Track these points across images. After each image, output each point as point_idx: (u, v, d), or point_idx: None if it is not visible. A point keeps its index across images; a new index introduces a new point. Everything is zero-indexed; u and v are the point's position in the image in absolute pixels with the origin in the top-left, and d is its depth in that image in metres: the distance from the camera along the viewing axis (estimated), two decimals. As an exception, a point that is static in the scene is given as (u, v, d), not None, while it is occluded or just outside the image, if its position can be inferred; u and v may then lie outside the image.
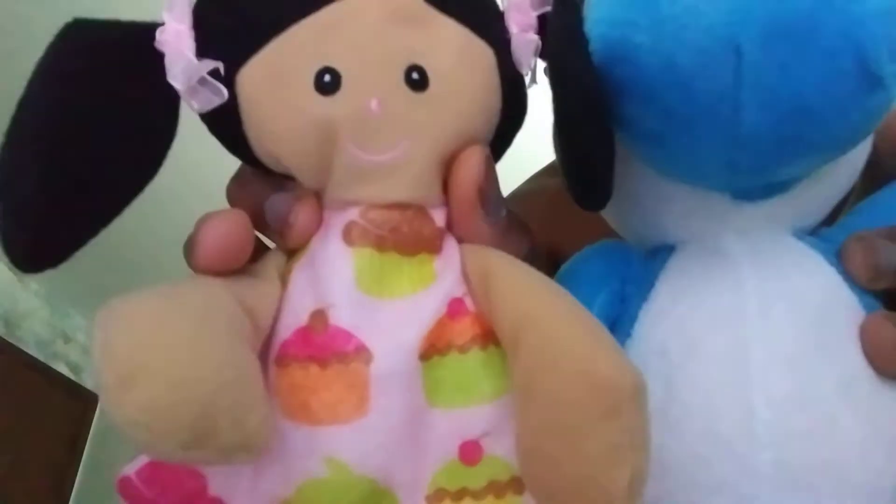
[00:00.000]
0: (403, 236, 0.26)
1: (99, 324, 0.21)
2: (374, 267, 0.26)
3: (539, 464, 0.23)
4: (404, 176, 0.26)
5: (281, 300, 0.26)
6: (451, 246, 0.27)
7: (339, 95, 0.25)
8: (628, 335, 0.27)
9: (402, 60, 0.26)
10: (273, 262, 0.27)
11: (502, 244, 0.27)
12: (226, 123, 0.27)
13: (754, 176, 0.25)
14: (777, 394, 0.24)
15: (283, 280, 0.27)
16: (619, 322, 0.28)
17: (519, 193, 0.60)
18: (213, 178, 0.28)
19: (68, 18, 0.25)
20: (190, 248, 0.25)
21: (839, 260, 0.26)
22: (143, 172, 0.27)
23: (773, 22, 0.21)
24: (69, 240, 0.25)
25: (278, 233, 0.27)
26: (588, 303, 0.28)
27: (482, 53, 0.27)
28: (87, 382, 2.02)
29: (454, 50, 0.26)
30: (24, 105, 0.24)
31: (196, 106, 0.26)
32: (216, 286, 0.24)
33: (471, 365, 0.26)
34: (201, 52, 0.26)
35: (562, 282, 0.30)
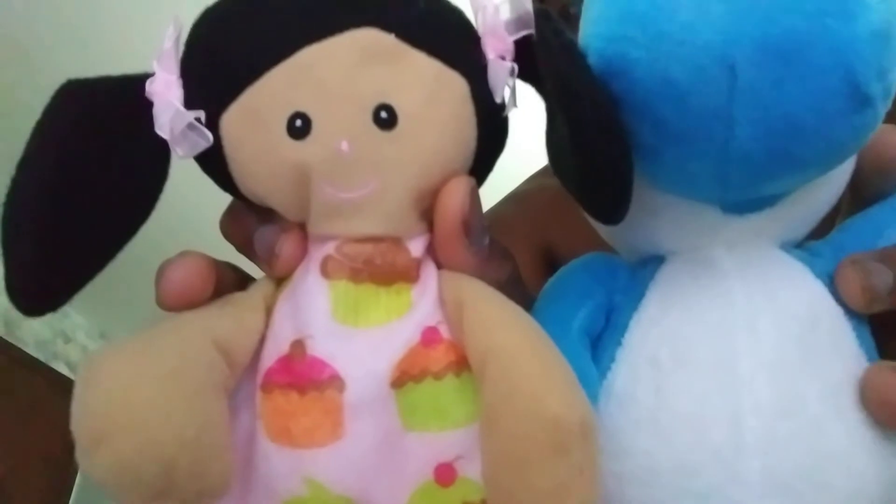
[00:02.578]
0: (377, 268, 0.27)
1: (79, 377, 0.23)
2: (349, 298, 0.27)
3: (496, 494, 0.24)
4: (376, 211, 0.27)
5: (267, 328, 0.28)
6: (429, 274, 0.28)
7: (310, 139, 0.26)
8: (619, 343, 0.28)
9: (371, 101, 0.26)
10: (261, 291, 0.28)
11: (483, 272, 0.28)
12: (213, 164, 0.28)
13: (744, 190, 0.25)
14: (764, 402, 0.24)
15: (270, 308, 0.28)
16: (609, 331, 0.29)
17: (518, 193, 0.60)
18: (210, 184, 0.29)
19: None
20: (155, 290, 0.27)
21: (829, 279, 0.27)
22: (137, 217, 0.28)
23: (767, 41, 0.22)
24: (68, 286, 0.27)
25: (266, 263, 0.29)
26: (570, 317, 0.29)
27: (454, 85, 0.27)
28: (88, 383, 2.01)
29: (424, 85, 0.27)
30: (22, 166, 0.26)
31: (181, 152, 0.27)
32: (193, 332, 0.26)
33: (445, 391, 0.26)
34: (188, 100, 0.27)
35: (547, 295, 0.31)
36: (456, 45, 0.28)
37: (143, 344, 0.25)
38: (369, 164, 0.26)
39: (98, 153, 0.27)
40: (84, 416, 0.22)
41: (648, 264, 0.30)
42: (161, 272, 0.27)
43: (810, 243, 0.29)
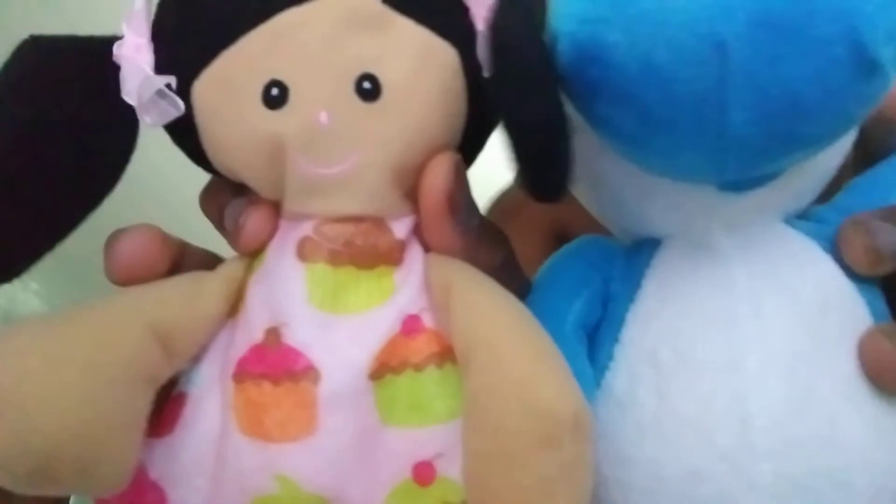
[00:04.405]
0: (358, 250, 0.26)
1: None
2: (327, 282, 0.26)
3: (478, 493, 0.23)
4: (357, 189, 0.26)
5: (238, 313, 0.26)
6: (414, 257, 0.27)
7: (287, 109, 0.25)
8: (616, 340, 0.26)
9: (353, 69, 0.25)
10: (226, 273, 0.27)
11: (473, 255, 0.26)
12: (184, 136, 0.27)
13: (743, 173, 0.23)
14: (774, 401, 0.23)
15: (240, 291, 0.27)
16: (607, 324, 0.27)
17: None
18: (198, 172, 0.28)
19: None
20: (104, 263, 0.26)
21: (835, 247, 0.25)
22: (101, 186, 0.27)
23: (761, 12, 0.19)
24: (25, 256, 0.26)
25: (232, 237, 0.27)
26: (565, 308, 0.27)
27: (443, 56, 0.26)
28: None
29: (411, 55, 0.25)
30: None
31: (149, 120, 0.26)
32: (126, 314, 0.24)
33: (426, 384, 0.25)
34: (159, 65, 0.26)
35: (539, 285, 0.29)
36: (446, 13, 0.26)
37: (63, 323, 0.23)
38: (349, 137, 0.25)
39: (61, 117, 0.25)
40: None
41: (644, 248, 0.28)
42: (109, 243, 0.26)
43: (815, 209, 0.27)
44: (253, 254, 0.27)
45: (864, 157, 0.28)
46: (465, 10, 0.26)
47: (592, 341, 0.27)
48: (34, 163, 0.25)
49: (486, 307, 0.25)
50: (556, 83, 0.23)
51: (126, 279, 0.26)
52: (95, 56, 0.26)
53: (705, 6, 0.19)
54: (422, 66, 0.25)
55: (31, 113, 0.25)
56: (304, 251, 0.26)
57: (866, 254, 0.24)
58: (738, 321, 0.24)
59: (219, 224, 0.28)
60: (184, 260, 0.28)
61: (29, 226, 0.25)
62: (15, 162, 0.24)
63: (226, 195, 0.28)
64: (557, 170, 0.24)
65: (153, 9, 0.26)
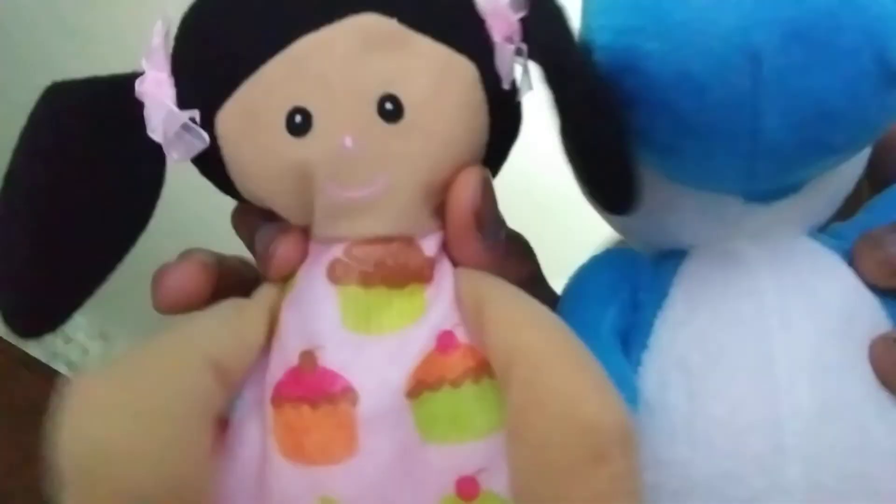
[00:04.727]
0: (389, 270, 0.26)
1: (63, 402, 0.22)
2: (359, 304, 0.26)
3: None
4: (385, 210, 0.26)
5: (273, 338, 0.27)
6: (444, 273, 0.27)
7: (311, 136, 0.25)
8: (645, 346, 0.27)
9: (374, 91, 0.25)
10: (265, 300, 0.27)
11: (501, 269, 0.26)
12: (210, 166, 0.27)
13: (772, 180, 0.24)
14: (805, 405, 0.23)
15: (274, 317, 0.27)
16: (634, 332, 0.27)
17: None
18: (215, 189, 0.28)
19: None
20: (151, 294, 0.27)
21: (853, 262, 0.26)
22: (134, 226, 0.27)
23: (793, 24, 0.20)
24: (65, 304, 0.26)
25: (262, 263, 0.28)
26: (599, 317, 0.27)
27: (462, 71, 0.26)
28: (88, 382, 2.01)
29: (430, 72, 0.25)
30: (10, 178, 0.25)
31: (176, 156, 0.26)
32: (189, 354, 0.25)
33: (464, 399, 0.25)
34: (181, 99, 0.26)
35: (570, 295, 0.29)
36: (461, 27, 0.26)
37: (132, 369, 0.24)
38: (376, 159, 0.25)
39: (89, 162, 0.26)
40: (62, 451, 0.22)
41: (670, 258, 0.28)
42: (157, 276, 0.27)
43: (834, 226, 0.28)
44: (284, 279, 0.28)
45: (879, 179, 0.29)
46: (480, 23, 0.26)
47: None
48: (67, 212, 0.25)
49: (522, 320, 0.24)
50: (611, 99, 0.24)
51: (173, 310, 0.27)
52: (118, 95, 0.26)
53: (739, 17, 0.20)
54: (441, 82, 0.25)
55: (58, 164, 0.25)
56: (336, 274, 0.26)
57: (878, 266, 0.25)
58: (767, 328, 0.25)
59: (248, 245, 0.29)
60: (221, 277, 0.28)
61: (67, 273, 0.26)
62: (47, 214, 0.25)
63: (256, 219, 0.28)
64: (634, 179, 0.25)
65: (171, 42, 0.27)
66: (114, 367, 0.24)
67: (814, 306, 0.25)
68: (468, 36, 0.26)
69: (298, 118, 0.25)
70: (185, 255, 0.28)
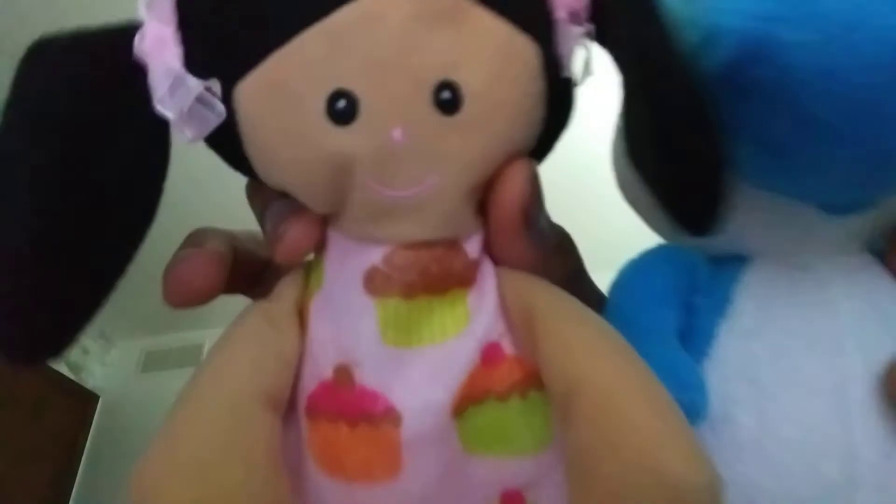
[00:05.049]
0: (433, 277, 0.23)
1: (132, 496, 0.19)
2: (400, 316, 0.23)
3: None
4: (433, 212, 0.23)
5: (303, 344, 0.24)
6: (486, 274, 0.24)
7: (357, 125, 0.21)
8: (705, 354, 0.25)
9: (432, 76, 0.21)
10: (290, 301, 0.25)
11: (545, 268, 0.24)
12: (223, 142, 0.23)
13: (881, 191, 0.23)
14: (879, 433, 0.22)
15: (303, 317, 0.24)
16: (691, 338, 0.25)
17: None
18: (219, 174, 0.26)
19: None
20: (162, 288, 0.24)
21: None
22: (142, 220, 0.24)
23: None
24: (68, 325, 0.23)
25: (270, 244, 0.25)
26: (661, 320, 0.25)
27: (526, 55, 0.23)
28: (87, 382, 2.01)
29: (492, 56, 0.22)
30: None
31: (189, 134, 0.22)
32: (243, 408, 0.22)
33: (511, 414, 0.23)
34: (191, 60, 0.22)
35: (623, 294, 0.27)
36: (526, 2, 0.23)
37: (194, 451, 0.21)
38: (427, 156, 0.22)
39: (83, 145, 0.22)
40: None
41: (729, 263, 0.26)
42: (168, 269, 0.25)
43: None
44: (300, 264, 0.25)
45: None
46: (546, 1, 0.23)
47: None
48: (60, 206, 0.22)
49: (580, 341, 0.22)
50: (715, 110, 0.21)
51: (185, 305, 0.25)
52: (113, 51, 0.22)
53: None
54: (504, 69, 0.22)
55: (46, 146, 0.22)
56: (374, 285, 0.23)
57: None
58: (843, 348, 0.23)
59: (259, 218, 0.26)
60: (235, 263, 0.26)
61: (65, 292, 0.23)
62: (39, 213, 0.22)
63: (272, 192, 0.25)
64: (725, 199, 0.22)
65: None
66: (174, 451, 0.21)
67: (886, 328, 0.23)
68: (533, 11, 0.23)
69: (342, 103, 0.21)
70: (196, 239, 0.26)
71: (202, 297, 0.25)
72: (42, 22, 0.23)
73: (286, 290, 0.25)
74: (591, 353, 0.21)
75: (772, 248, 0.26)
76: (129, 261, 0.24)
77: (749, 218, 0.25)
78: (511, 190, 0.23)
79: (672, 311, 0.26)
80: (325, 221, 0.24)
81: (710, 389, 0.24)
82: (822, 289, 0.24)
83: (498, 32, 0.22)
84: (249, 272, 0.26)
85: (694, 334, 0.25)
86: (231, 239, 0.26)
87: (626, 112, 0.24)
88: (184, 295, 0.25)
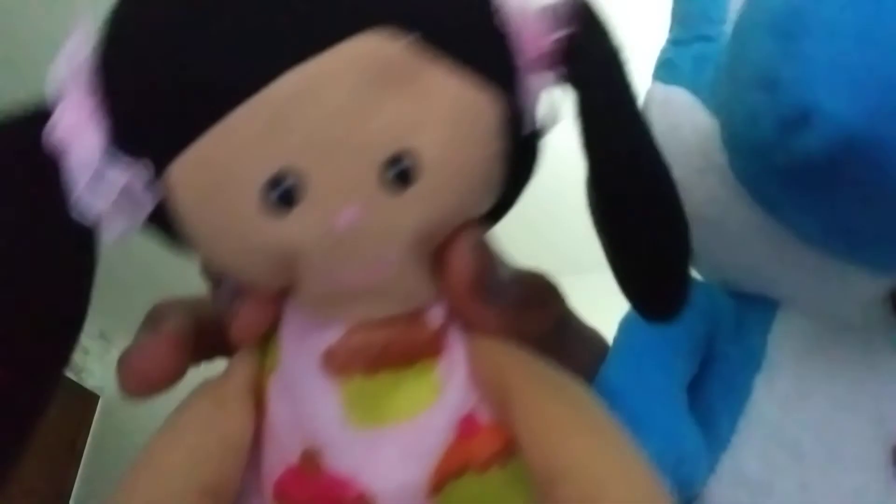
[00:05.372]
0: (396, 353, 0.22)
1: None
2: (365, 395, 0.22)
3: None
4: (391, 290, 0.21)
5: (262, 424, 0.23)
6: (454, 340, 0.23)
7: (301, 210, 0.19)
8: (741, 412, 0.24)
9: (383, 149, 0.19)
10: (243, 380, 0.23)
11: (518, 325, 0.23)
12: (158, 226, 0.21)
13: None
14: None
15: (259, 396, 0.23)
16: (722, 389, 0.24)
17: None
18: None
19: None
20: (118, 378, 0.23)
21: None
22: (70, 326, 0.22)
23: None
24: (18, 422, 0.21)
25: (225, 321, 0.23)
26: (669, 374, 0.24)
27: (486, 112, 0.20)
28: (87, 382, 2.01)
29: (448, 118, 0.20)
30: None
31: (114, 230, 0.20)
32: (181, 493, 0.21)
33: (491, 486, 0.22)
34: (114, 139, 0.20)
35: (629, 338, 0.25)
36: (485, 45, 0.20)
37: None
38: (382, 236, 0.20)
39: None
40: None
41: (758, 308, 0.25)
42: (123, 360, 0.23)
43: None
44: (254, 343, 0.24)
45: None
46: (506, 41, 0.21)
47: (698, 400, 0.24)
48: None
49: (561, 425, 0.21)
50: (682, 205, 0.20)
51: (143, 394, 0.23)
52: (25, 145, 0.20)
53: None
54: (461, 131, 0.20)
55: None
56: (334, 365, 0.22)
57: None
58: (886, 415, 0.22)
59: (213, 298, 0.25)
60: (199, 335, 0.24)
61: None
62: None
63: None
64: (688, 287, 0.21)
65: (94, 54, 0.20)
66: None
67: None
68: (494, 60, 0.21)
69: (284, 185, 0.19)
70: (155, 319, 0.24)
71: (161, 387, 0.23)
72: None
73: (238, 368, 0.23)
74: (569, 437, 0.21)
75: (807, 298, 0.24)
76: (69, 350, 0.22)
77: (785, 265, 0.24)
78: (457, 269, 0.21)
79: (684, 362, 0.24)
80: (281, 295, 0.23)
81: (748, 449, 0.23)
82: (864, 349, 0.23)
83: (454, 90, 0.20)
84: (221, 339, 0.24)
85: (728, 388, 0.24)
86: (196, 308, 0.25)
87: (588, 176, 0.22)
88: (141, 387, 0.23)
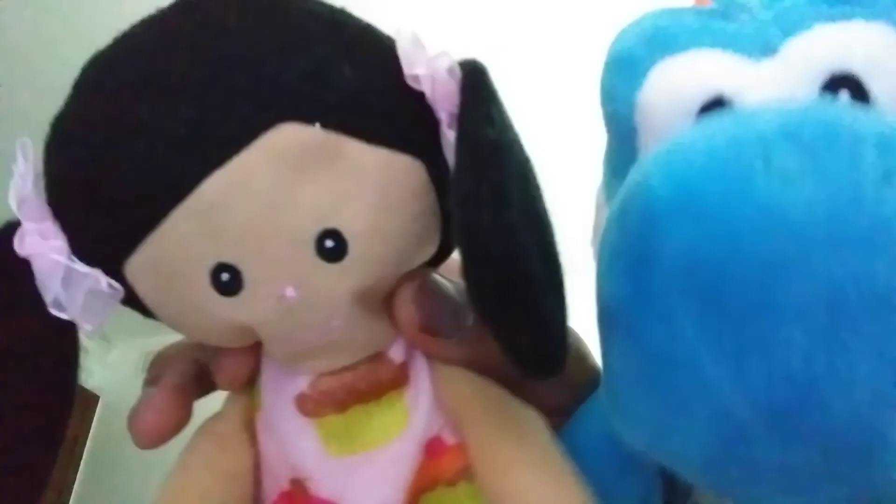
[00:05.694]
0: (364, 390, 0.24)
1: None
2: (339, 428, 0.24)
3: None
4: (347, 345, 0.23)
5: (256, 457, 0.25)
6: (419, 369, 0.25)
7: (244, 295, 0.21)
8: None
9: (311, 230, 0.20)
10: (237, 419, 0.26)
11: (480, 352, 0.24)
12: (133, 307, 0.24)
13: None
14: None
15: (252, 432, 0.26)
16: None
17: None
18: None
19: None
20: (130, 431, 0.26)
21: None
22: (60, 415, 0.24)
23: None
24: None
25: (212, 372, 0.26)
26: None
27: (409, 175, 0.21)
28: (87, 382, 2.01)
29: (372, 188, 0.21)
30: None
31: (90, 326, 0.22)
32: None
33: (460, 497, 0.24)
34: (73, 249, 0.22)
35: (573, 451, 0.25)
36: (398, 117, 0.21)
37: None
38: (325, 305, 0.21)
39: None
40: None
41: None
42: (131, 419, 0.25)
43: None
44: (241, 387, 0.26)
45: None
46: (419, 105, 0.21)
47: None
48: None
49: (503, 456, 0.23)
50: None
51: (156, 445, 0.26)
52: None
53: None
54: (386, 197, 0.21)
55: None
56: (307, 408, 0.24)
57: None
58: None
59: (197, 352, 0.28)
60: (200, 378, 0.27)
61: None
62: None
63: None
64: (564, 338, 0.21)
65: (42, 186, 0.22)
66: None
67: None
68: (410, 126, 0.22)
69: (225, 276, 0.21)
70: (157, 371, 0.26)
71: (171, 434, 0.26)
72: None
73: (232, 410, 0.26)
74: (512, 468, 0.22)
75: None
76: (60, 444, 0.24)
77: None
78: (403, 318, 0.23)
79: (635, 480, 0.24)
80: (257, 346, 0.25)
81: None
82: None
83: (375, 161, 0.21)
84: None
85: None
86: (195, 352, 0.27)
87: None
88: (153, 439, 0.26)
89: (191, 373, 0.27)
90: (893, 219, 0.16)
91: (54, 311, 0.21)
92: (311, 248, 0.21)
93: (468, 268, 0.20)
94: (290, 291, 0.21)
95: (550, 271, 0.21)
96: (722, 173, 0.17)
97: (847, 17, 0.21)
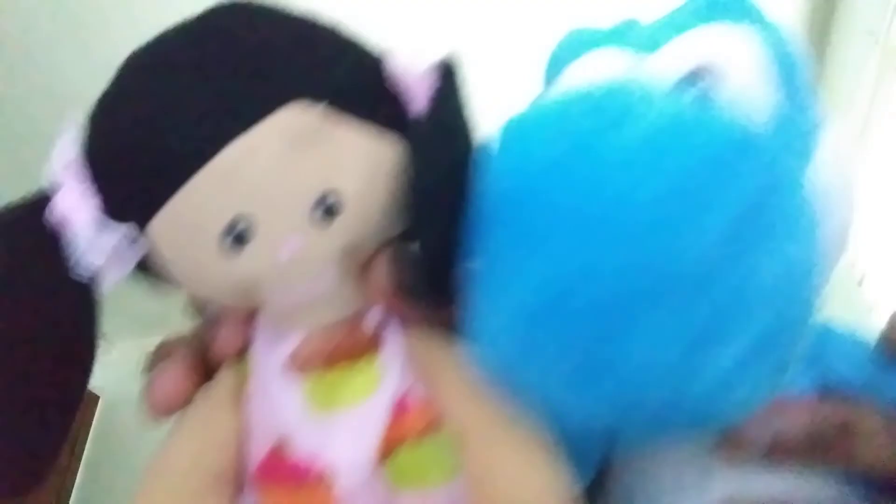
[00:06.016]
0: (346, 350, 0.27)
1: None
2: (323, 385, 0.28)
3: None
4: (333, 301, 0.27)
5: (247, 422, 0.28)
6: (392, 333, 0.28)
7: (253, 245, 0.24)
8: None
9: (313, 190, 0.24)
10: (227, 391, 0.28)
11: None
12: (146, 272, 0.27)
13: None
14: None
15: (242, 400, 0.29)
16: None
17: None
18: None
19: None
20: (145, 402, 0.28)
21: None
22: (82, 370, 0.27)
23: None
24: (40, 456, 0.26)
25: (209, 340, 0.29)
26: None
27: (393, 148, 0.26)
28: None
29: (364, 160, 0.25)
30: None
31: (111, 278, 0.25)
32: (200, 485, 0.26)
33: (428, 450, 0.27)
34: (104, 209, 0.25)
35: None
36: (383, 104, 0.26)
37: None
38: (321, 259, 0.25)
39: (16, 319, 0.24)
40: None
41: None
42: (148, 388, 0.28)
43: None
44: (234, 357, 0.30)
45: None
46: (397, 96, 0.26)
47: None
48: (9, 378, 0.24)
49: (468, 395, 0.26)
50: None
51: (171, 414, 0.29)
52: (32, 225, 0.24)
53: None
54: (373, 172, 0.25)
55: None
56: (297, 365, 0.28)
57: None
58: None
59: (197, 327, 0.31)
60: (208, 353, 0.29)
61: (26, 444, 0.25)
62: None
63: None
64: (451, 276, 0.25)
65: (83, 151, 0.25)
66: None
67: None
68: (389, 111, 0.26)
69: (239, 227, 0.24)
70: (163, 353, 0.29)
71: (181, 404, 0.29)
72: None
73: (225, 378, 0.29)
74: (474, 409, 0.26)
75: None
76: (83, 387, 0.26)
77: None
78: (376, 279, 0.26)
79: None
80: (250, 319, 0.29)
81: None
82: None
83: (361, 142, 0.25)
84: (213, 365, 0.30)
85: None
86: (192, 340, 0.30)
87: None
88: (168, 408, 0.28)
89: (199, 352, 0.30)
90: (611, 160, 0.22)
91: (78, 269, 0.24)
92: (312, 206, 0.24)
93: (414, 177, 0.25)
94: (290, 244, 0.24)
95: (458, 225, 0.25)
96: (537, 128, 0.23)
97: (719, 20, 0.26)
